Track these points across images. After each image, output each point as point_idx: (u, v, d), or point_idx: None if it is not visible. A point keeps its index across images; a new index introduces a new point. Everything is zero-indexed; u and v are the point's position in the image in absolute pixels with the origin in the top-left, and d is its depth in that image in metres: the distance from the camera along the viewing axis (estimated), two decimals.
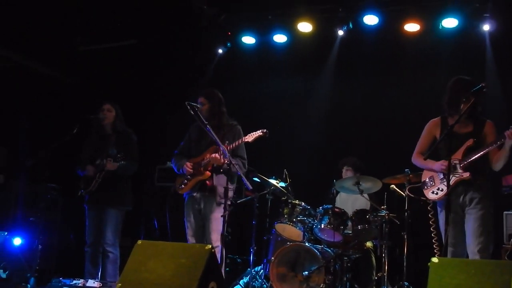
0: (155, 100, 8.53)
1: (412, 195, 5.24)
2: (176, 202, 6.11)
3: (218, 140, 5.17)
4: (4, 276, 4.90)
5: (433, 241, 4.95)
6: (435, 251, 4.86)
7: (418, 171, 5.35)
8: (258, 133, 5.27)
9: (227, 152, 5.17)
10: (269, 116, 7.76)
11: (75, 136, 6.19)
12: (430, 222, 4.93)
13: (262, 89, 8.24)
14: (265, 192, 6.44)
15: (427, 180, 5.01)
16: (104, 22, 7.88)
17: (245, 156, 5.60)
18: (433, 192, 4.90)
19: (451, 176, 4.60)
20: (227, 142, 5.32)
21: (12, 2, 7.08)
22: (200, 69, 8.35)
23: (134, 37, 8.36)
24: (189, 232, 5.59)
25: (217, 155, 5.33)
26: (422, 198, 5.01)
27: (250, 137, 5.30)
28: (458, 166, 4.74)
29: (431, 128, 5.04)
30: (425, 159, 4.97)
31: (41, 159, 6.33)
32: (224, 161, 5.25)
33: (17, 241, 6.26)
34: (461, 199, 4.77)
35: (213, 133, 5.18)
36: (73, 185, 6.37)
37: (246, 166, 5.60)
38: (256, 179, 6.43)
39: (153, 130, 8.25)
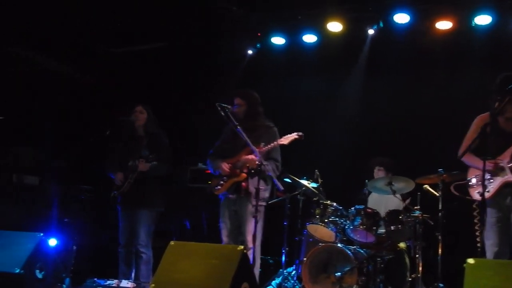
0: (186, 102, 8.50)
1: (457, 193, 5.07)
2: (211, 202, 6.12)
3: (248, 141, 5.16)
4: (40, 276, 4.95)
5: (477, 239, 4.76)
6: (478, 249, 4.74)
7: (451, 170, 5.24)
8: (294, 135, 5.26)
9: (258, 153, 5.15)
10: (299, 117, 7.68)
11: (108, 138, 6.23)
12: (475, 221, 4.77)
13: (292, 90, 8.19)
14: (296, 193, 6.42)
15: (474, 179, 4.82)
16: (135, 25, 7.90)
17: (279, 159, 5.57)
18: (478, 192, 4.72)
19: (497, 177, 4.48)
20: (262, 143, 5.30)
21: (43, 5, 7.15)
22: (229, 70, 8.34)
23: (164, 40, 8.38)
24: (224, 233, 5.60)
25: (253, 156, 5.30)
26: (468, 197, 4.86)
27: (286, 140, 5.29)
28: (506, 167, 4.59)
29: (480, 124, 4.79)
30: (462, 156, 4.78)
31: (74, 160, 6.45)
32: (257, 162, 5.22)
33: (53, 242, 6.34)
34: (508, 200, 4.65)
35: (243, 134, 5.16)
36: (106, 186, 6.40)
37: (280, 168, 5.57)
38: (287, 180, 6.40)
39: (184, 132, 8.25)
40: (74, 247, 6.38)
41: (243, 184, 5.46)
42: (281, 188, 5.18)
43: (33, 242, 4.96)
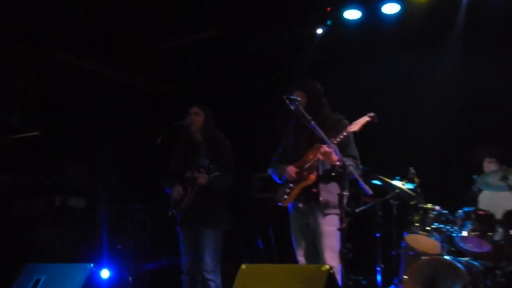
0: (247, 98, 8.64)
1: None
2: (280, 216, 6.11)
3: (325, 137, 5.09)
4: None
5: None
6: None
7: None
8: (365, 118, 5.22)
9: (338, 151, 5.08)
10: (382, 105, 7.50)
11: (161, 147, 6.22)
12: None
13: (371, 72, 8.17)
14: (388, 196, 6.39)
15: None
16: (179, 13, 8.03)
17: (358, 155, 5.51)
18: None
19: None
20: (332, 139, 5.23)
21: (77, 6, 7.43)
22: (296, 56, 8.38)
23: (215, 27, 8.43)
24: (299, 252, 5.56)
25: (326, 148, 5.23)
26: None
27: (356, 126, 5.23)
28: None
29: None
30: None
31: (124, 176, 6.42)
32: (336, 160, 5.17)
33: (105, 273, 6.45)
34: None
35: (319, 129, 5.11)
36: (162, 203, 6.47)
37: (360, 166, 5.51)
38: (376, 181, 6.39)
39: (248, 133, 8.35)
40: (130, 278, 6.40)
41: (314, 189, 5.42)
42: (370, 192, 5.00)
43: (83, 275, 4.98)
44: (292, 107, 5.25)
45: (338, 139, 5.23)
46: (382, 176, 6.32)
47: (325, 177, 5.39)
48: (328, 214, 5.33)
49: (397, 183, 6.30)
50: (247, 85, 8.65)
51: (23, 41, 7.72)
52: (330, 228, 5.22)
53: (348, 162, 5.16)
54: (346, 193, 5.25)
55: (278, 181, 5.70)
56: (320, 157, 5.32)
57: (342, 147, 5.30)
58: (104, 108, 8.52)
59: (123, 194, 7.34)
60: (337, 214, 5.14)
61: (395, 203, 6.37)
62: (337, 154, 5.08)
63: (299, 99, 5.36)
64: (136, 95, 8.90)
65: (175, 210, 6.21)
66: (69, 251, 6.95)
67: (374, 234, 6.33)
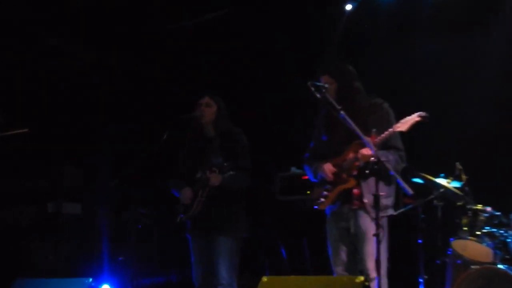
0: (266, 86, 8.60)
1: None
2: (314, 220, 6.10)
3: (358, 131, 4.99)
4: None
5: None
6: None
7: None
8: (414, 118, 5.14)
9: (372, 145, 5.01)
10: (421, 90, 7.65)
11: (167, 145, 6.16)
12: None
13: (409, 55, 8.06)
14: (432, 197, 6.36)
15: None
16: None
17: (402, 146, 5.43)
18: None
19: None
20: (373, 130, 5.14)
21: None
22: (321, 37, 8.33)
23: (229, 4, 8.39)
24: (335, 260, 5.53)
25: (367, 151, 5.17)
26: None
27: (404, 126, 5.16)
28: None
29: None
30: None
31: (126, 178, 6.49)
32: (370, 156, 5.10)
33: None
34: None
35: (350, 121, 5.02)
36: (169, 208, 6.45)
37: (404, 159, 5.43)
38: (417, 180, 6.36)
39: (268, 126, 8.29)
40: None
41: (355, 191, 5.39)
42: (410, 191, 4.91)
43: None
44: (318, 95, 5.15)
45: (380, 138, 5.17)
46: (424, 173, 6.27)
47: (365, 176, 5.33)
48: (371, 218, 5.27)
49: (441, 181, 6.25)
50: (267, 71, 8.65)
51: (4, 26, 7.70)
52: (373, 234, 5.08)
53: (386, 156, 5.12)
54: (383, 193, 5.17)
55: (313, 180, 5.68)
56: (359, 157, 5.27)
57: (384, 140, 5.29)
58: (101, 100, 8.51)
59: (124, 199, 7.43)
60: (386, 216, 5.21)
61: (440, 204, 6.35)
62: (372, 150, 5.01)
63: (326, 85, 5.30)
64: (138, 84, 8.85)
65: (184, 216, 6.17)
66: (64, 264, 7.02)
67: (415, 240, 6.31)
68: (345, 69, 5.63)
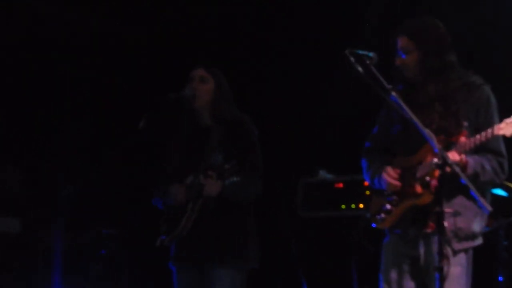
0: (286, 61, 8.62)
1: None
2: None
3: (419, 124, 4.79)
4: None
5: None
6: None
7: None
8: None
9: (443, 151, 4.79)
10: (499, 70, 7.51)
11: (146, 137, 6.21)
12: None
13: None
14: None
15: None
16: None
17: (503, 150, 5.28)
18: None
19: None
20: (465, 124, 5.08)
21: None
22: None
23: None
24: None
25: (453, 154, 5.00)
26: None
27: (509, 128, 4.98)
28: None
29: None
30: None
31: (86, 184, 6.38)
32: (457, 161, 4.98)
33: None
34: None
35: (406, 107, 4.82)
36: (147, 227, 6.51)
37: (506, 169, 5.30)
38: (498, 191, 6.57)
39: (287, 113, 8.42)
40: None
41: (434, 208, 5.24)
42: (488, 208, 4.85)
43: None
44: (359, 69, 4.92)
45: (473, 142, 5.05)
46: (509, 182, 6.23)
47: (450, 190, 5.17)
48: (459, 249, 5.24)
49: None
50: (286, 41, 8.73)
51: None
52: (457, 269, 5.15)
53: (480, 165, 5.10)
54: (472, 213, 5.22)
55: (373, 186, 5.63)
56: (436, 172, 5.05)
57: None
58: (52, 75, 8.62)
59: (83, 213, 7.19)
60: (472, 247, 5.16)
61: None
62: (435, 149, 4.81)
63: (371, 54, 5.04)
64: (107, 52, 8.94)
65: (167, 238, 6.08)
66: None
67: (495, 276, 6.46)
68: (436, 31, 5.45)
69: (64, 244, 7.39)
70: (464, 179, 4.82)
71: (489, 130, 4.98)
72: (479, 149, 5.14)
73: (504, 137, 5.11)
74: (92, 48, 8.98)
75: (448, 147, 5.02)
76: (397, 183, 5.33)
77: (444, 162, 4.75)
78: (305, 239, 7.98)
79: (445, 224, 4.94)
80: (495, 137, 5.16)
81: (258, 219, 6.22)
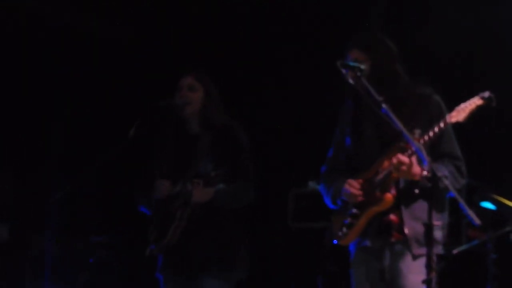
0: (279, 66, 8.73)
1: None
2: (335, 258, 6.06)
3: (405, 131, 4.81)
4: None
5: None
6: None
7: None
8: (475, 101, 5.06)
9: (423, 153, 4.75)
10: (493, 77, 7.46)
11: (135, 144, 6.15)
12: None
13: (473, 23, 7.97)
14: (508, 229, 6.40)
15: None
16: None
17: (459, 153, 5.31)
18: None
19: None
20: (417, 131, 5.02)
21: None
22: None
23: None
24: None
25: (401, 157, 5.09)
26: None
27: (460, 114, 5.05)
28: None
29: None
30: None
31: (75, 190, 6.35)
32: (421, 172, 4.98)
33: None
34: None
35: (395, 119, 4.83)
36: (136, 234, 6.57)
37: (464, 172, 5.30)
38: (487, 204, 6.53)
39: (280, 122, 8.52)
40: None
41: (392, 217, 5.31)
42: (477, 221, 4.65)
43: None
44: (350, 81, 5.11)
45: (428, 136, 5.09)
46: (498, 195, 6.33)
47: (410, 196, 5.23)
48: (419, 255, 5.17)
49: None
50: (280, 46, 8.81)
51: None
52: (418, 277, 4.94)
53: (442, 171, 4.99)
54: (437, 222, 5.17)
55: (332, 206, 5.60)
56: (394, 174, 5.19)
57: (434, 141, 5.20)
58: (40, 80, 8.66)
59: (72, 220, 7.16)
60: (430, 255, 4.81)
61: None
62: (424, 161, 4.81)
63: (362, 67, 5.19)
64: (100, 55, 9.01)
65: (155, 247, 6.09)
66: None
67: None
68: (383, 43, 5.54)
69: (52, 252, 7.39)
70: (452, 191, 4.77)
71: (442, 121, 5.08)
72: (435, 154, 5.15)
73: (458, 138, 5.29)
74: (82, 54, 8.99)
75: (403, 151, 5.14)
76: (359, 192, 5.34)
77: (433, 175, 4.70)
78: (295, 250, 8.00)
79: (406, 230, 5.22)
80: (449, 140, 5.34)
81: (247, 229, 6.27)
